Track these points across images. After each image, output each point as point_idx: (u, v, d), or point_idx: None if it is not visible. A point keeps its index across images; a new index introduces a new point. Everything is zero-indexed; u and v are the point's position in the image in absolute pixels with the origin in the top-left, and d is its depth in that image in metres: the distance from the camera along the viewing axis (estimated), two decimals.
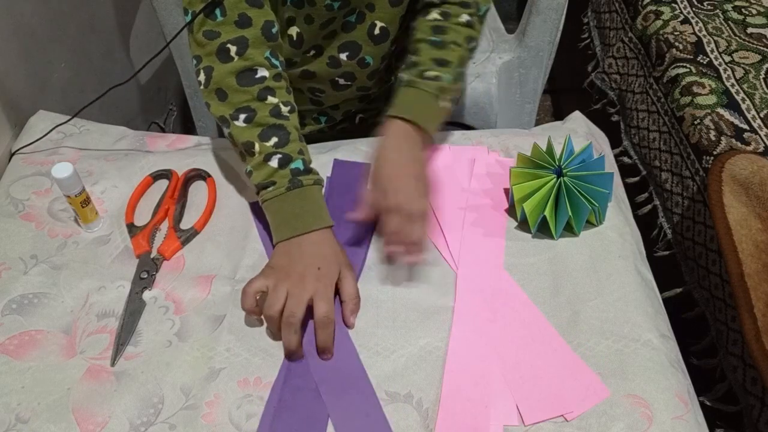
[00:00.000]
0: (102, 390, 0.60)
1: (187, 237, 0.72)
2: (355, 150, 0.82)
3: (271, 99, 0.68)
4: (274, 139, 0.67)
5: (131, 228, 0.72)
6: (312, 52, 0.77)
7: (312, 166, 0.69)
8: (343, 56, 0.77)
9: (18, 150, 0.81)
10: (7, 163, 0.81)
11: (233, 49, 0.67)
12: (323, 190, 0.71)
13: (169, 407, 0.59)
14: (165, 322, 0.65)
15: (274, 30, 0.69)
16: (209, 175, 0.78)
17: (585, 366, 0.61)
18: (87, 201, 0.71)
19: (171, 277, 0.69)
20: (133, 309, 0.66)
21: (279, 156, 0.66)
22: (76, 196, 0.69)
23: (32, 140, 0.81)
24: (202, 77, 0.69)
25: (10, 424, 0.57)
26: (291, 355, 0.62)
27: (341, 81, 0.80)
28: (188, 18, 0.67)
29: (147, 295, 0.67)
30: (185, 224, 0.74)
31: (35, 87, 0.92)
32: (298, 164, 0.67)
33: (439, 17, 0.76)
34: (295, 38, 0.74)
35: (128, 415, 0.58)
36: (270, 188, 0.67)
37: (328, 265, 0.64)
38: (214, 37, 0.67)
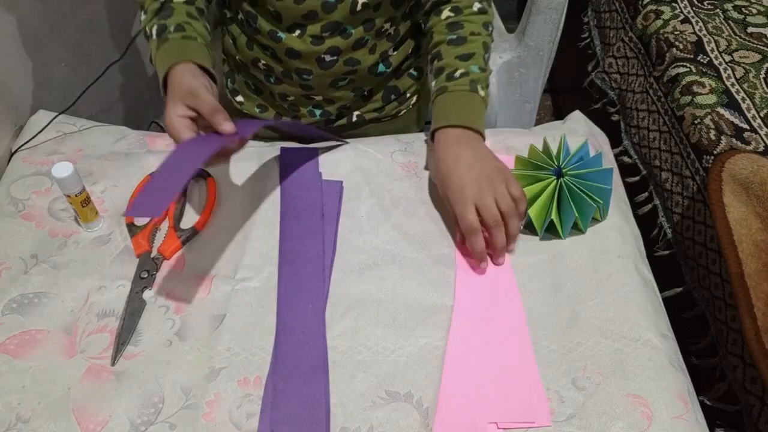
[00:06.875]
0: (102, 389, 0.60)
1: (187, 237, 0.72)
2: (357, 150, 0.82)
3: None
4: (159, 16, 0.73)
5: (131, 228, 0.73)
6: (297, 32, 0.78)
7: (191, 29, 0.73)
8: (326, 33, 0.78)
9: (18, 149, 0.82)
10: (8, 163, 0.81)
11: None
12: (203, 46, 0.74)
13: (170, 407, 0.59)
14: (165, 321, 0.65)
15: None
16: (209, 175, 0.78)
17: (541, 389, 0.60)
18: (87, 200, 0.71)
19: (171, 277, 0.69)
20: (134, 308, 0.66)
21: (155, 26, 0.73)
22: (76, 195, 0.69)
23: (33, 141, 0.81)
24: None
25: (11, 423, 0.57)
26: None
27: (327, 57, 0.80)
28: None
29: (147, 294, 0.67)
30: (185, 224, 0.74)
31: (35, 87, 0.92)
32: (170, 28, 0.72)
33: (451, 14, 0.77)
34: (272, 13, 0.77)
35: (129, 414, 0.58)
36: (151, 54, 0.73)
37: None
38: None
